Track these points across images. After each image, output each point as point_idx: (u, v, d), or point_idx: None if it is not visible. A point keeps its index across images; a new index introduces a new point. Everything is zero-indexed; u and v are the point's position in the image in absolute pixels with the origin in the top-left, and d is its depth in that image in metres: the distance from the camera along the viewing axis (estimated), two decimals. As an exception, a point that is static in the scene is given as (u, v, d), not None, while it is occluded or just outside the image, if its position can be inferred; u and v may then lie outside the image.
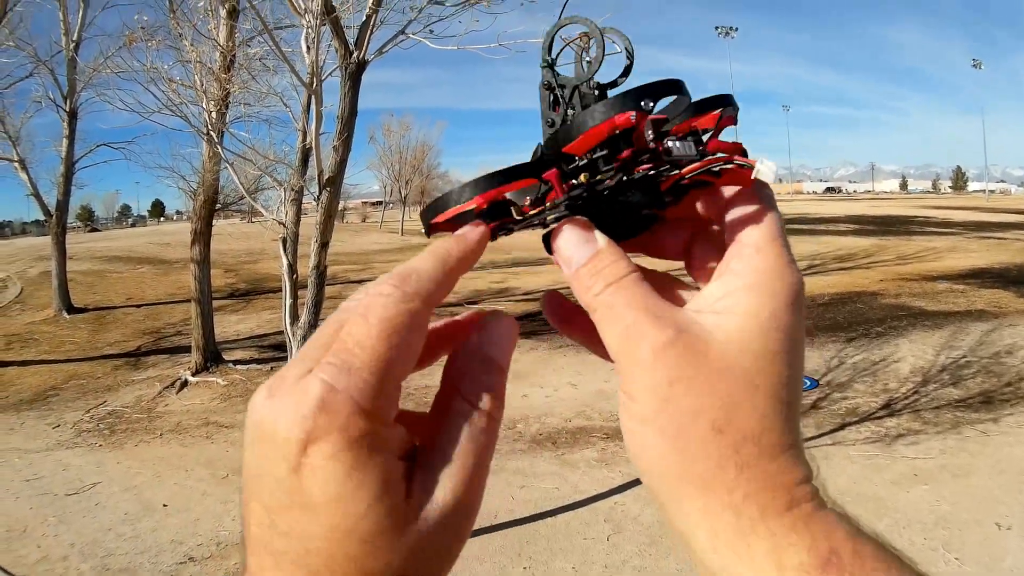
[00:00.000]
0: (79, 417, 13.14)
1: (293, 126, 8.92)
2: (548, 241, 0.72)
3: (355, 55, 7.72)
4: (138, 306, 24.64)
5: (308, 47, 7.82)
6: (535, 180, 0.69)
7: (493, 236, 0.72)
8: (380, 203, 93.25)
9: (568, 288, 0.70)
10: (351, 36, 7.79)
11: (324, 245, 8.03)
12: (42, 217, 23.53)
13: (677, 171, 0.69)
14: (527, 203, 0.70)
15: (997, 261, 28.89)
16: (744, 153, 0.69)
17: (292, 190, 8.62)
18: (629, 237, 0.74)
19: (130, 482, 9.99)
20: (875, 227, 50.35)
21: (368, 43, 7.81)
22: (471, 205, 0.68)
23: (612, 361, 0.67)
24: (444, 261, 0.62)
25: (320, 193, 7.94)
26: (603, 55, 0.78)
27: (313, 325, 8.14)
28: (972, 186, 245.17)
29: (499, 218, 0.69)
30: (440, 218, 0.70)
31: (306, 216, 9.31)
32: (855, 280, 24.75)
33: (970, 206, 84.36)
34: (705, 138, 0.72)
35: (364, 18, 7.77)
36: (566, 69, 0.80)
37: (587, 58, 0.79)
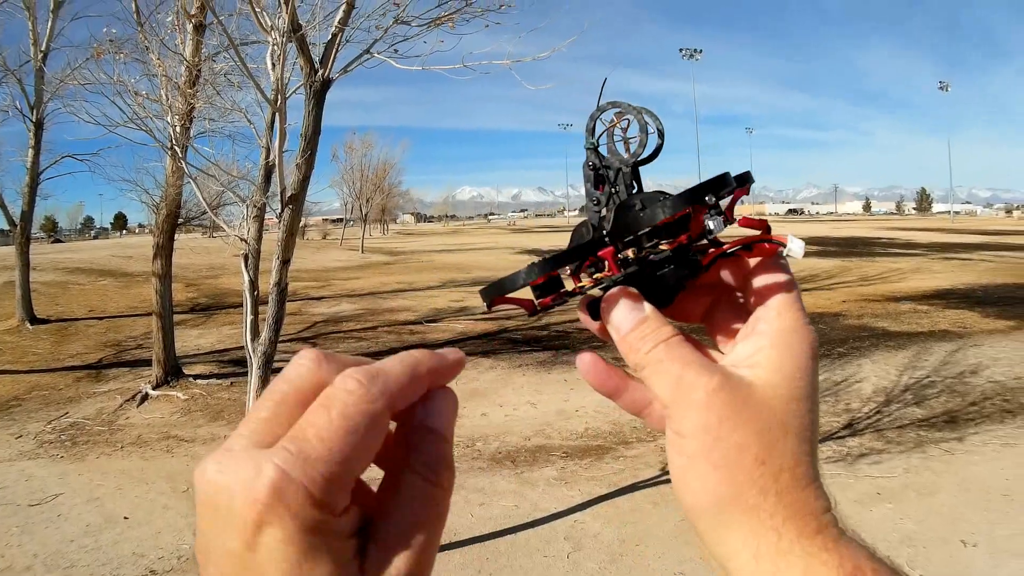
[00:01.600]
0: (41, 428, 13.07)
1: (257, 142, 8.90)
2: (594, 309, 0.79)
3: (320, 73, 7.72)
4: (100, 318, 24.53)
5: (273, 64, 7.80)
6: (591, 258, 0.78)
7: (544, 309, 0.81)
8: (341, 220, 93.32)
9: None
10: (316, 54, 7.79)
11: (286, 262, 8.02)
12: (6, 227, 23.45)
13: (718, 247, 0.79)
14: (585, 278, 0.79)
15: (961, 282, 29.17)
16: (769, 229, 0.79)
17: (255, 206, 8.60)
18: (667, 304, 0.80)
19: (92, 494, 9.94)
20: (838, 248, 50.70)
21: (333, 61, 7.81)
22: (538, 282, 0.76)
23: (636, 415, 0.82)
24: (414, 370, 0.63)
25: (282, 210, 7.92)
26: (646, 139, 0.86)
27: (274, 342, 8.12)
28: (937, 207, 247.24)
29: (553, 292, 0.78)
30: (501, 298, 0.77)
31: (268, 232, 9.29)
32: (817, 301, 24.88)
33: (935, 227, 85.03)
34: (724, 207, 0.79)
35: (330, 36, 7.77)
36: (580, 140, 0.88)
37: (623, 137, 0.89)
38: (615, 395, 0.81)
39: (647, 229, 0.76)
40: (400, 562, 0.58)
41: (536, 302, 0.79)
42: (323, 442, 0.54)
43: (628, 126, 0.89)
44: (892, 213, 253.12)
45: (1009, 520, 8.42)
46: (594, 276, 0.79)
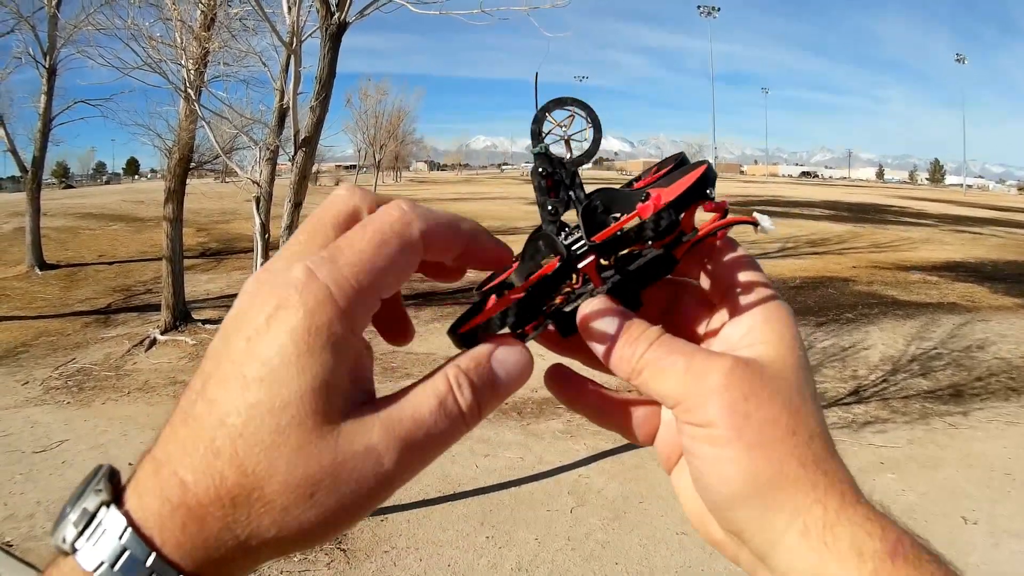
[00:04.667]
0: (48, 374, 13.14)
1: (271, 87, 8.90)
2: (567, 323, 0.76)
3: (336, 16, 7.69)
4: (110, 263, 24.58)
5: (289, 7, 7.80)
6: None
7: (526, 338, 0.74)
8: (354, 167, 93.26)
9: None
10: (333, -2, 7.76)
11: (298, 205, 8.02)
12: (17, 173, 23.48)
13: (691, 237, 0.75)
14: (561, 295, 0.77)
15: (972, 255, 29.03)
16: (727, 211, 0.75)
17: (268, 149, 8.58)
18: (637, 306, 0.77)
19: (97, 440, 10.00)
20: (850, 214, 50.34)
21: (350, 5, 7.78)
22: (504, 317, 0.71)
23: (617, 431, 0.82)
24: (457, 221, 0.65)
25: (295, 153, 7.92)
26: (598, 135, 0.84)
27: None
28: (950, 180, 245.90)
29: (532, 319, 0.73)
30: (470, 325, 0.72)
31: (280, 178, 9.28)
32: (827, 265, 24.79)
33: (947, 199, 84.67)
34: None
35: (348, -20, 7.74)
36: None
37: (564, 136, 0.85)
38: (577, 405, 0.82)
39: (650, 233, 0.71)
40: (384, 439, 0.57)
41: (515, 334, 0.73)
42: (354, 250, 0.56)
43: (570, 123, 0.86)
44: (905, 182, 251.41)
45: (1010, 499, 8.45)
46: (564, 291, 0.78)
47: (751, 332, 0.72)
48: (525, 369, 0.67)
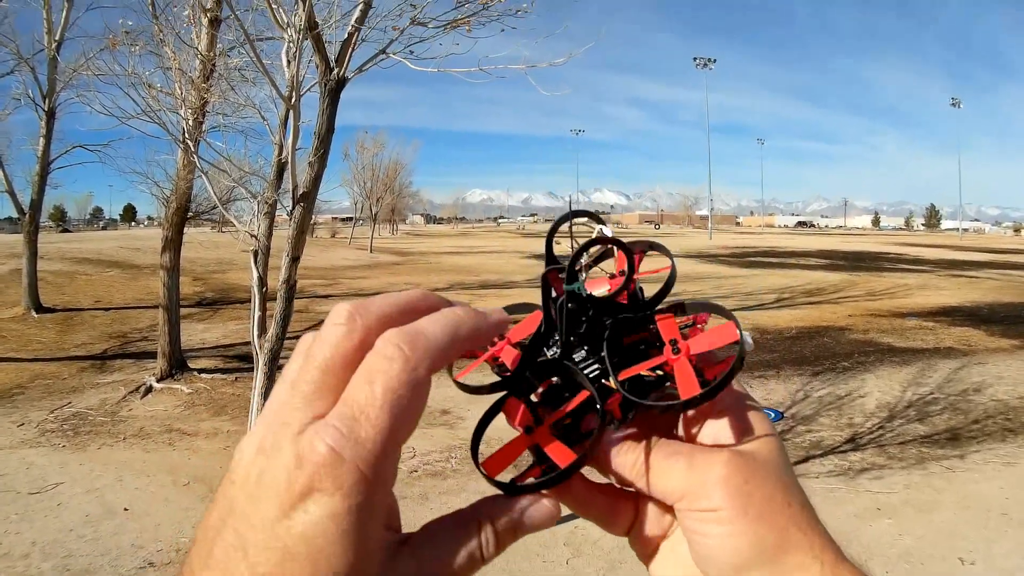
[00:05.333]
0: (44, 416, 13.11)
1: (269, 139, 8.90)
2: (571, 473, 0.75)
3: (335, 72, 7.74)
4: (106, 309, 24.54)
5: (289, 61, 7.82)
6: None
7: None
8: (350, 219, 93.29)
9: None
10: (332, 52, 7.81)
11: (295, 259, 8.04)
12: (15, 215, 23.49)
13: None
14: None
15: (968, 299, 29.12)
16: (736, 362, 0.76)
17: (266, 203, 8.61)
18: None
19: (92, 484, 9.96)
20: (846, 262, 50.62)
21: (349, 60, 7.83)
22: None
23: (596, 522, 0.83)
24: (455, 331, 0.64)
25: (293, 208, 7.94)
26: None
27: (281, 338, 8.14)
28: (946, 224, 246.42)
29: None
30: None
31: (277, 229, 9.29)
32: (823, 314, 24.90)
33: (943, 244, 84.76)
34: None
35: (346, 35, 7.79)
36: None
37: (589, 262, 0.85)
38: (586, 499, 0.82)
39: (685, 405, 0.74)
40: None
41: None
42: (370, 421, 0.55)
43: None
44: (901, 228, 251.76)
45: (1007, 539, 8.43)
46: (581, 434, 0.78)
47: (735, 432, 0.77)
48: (550, 523, 0.72)
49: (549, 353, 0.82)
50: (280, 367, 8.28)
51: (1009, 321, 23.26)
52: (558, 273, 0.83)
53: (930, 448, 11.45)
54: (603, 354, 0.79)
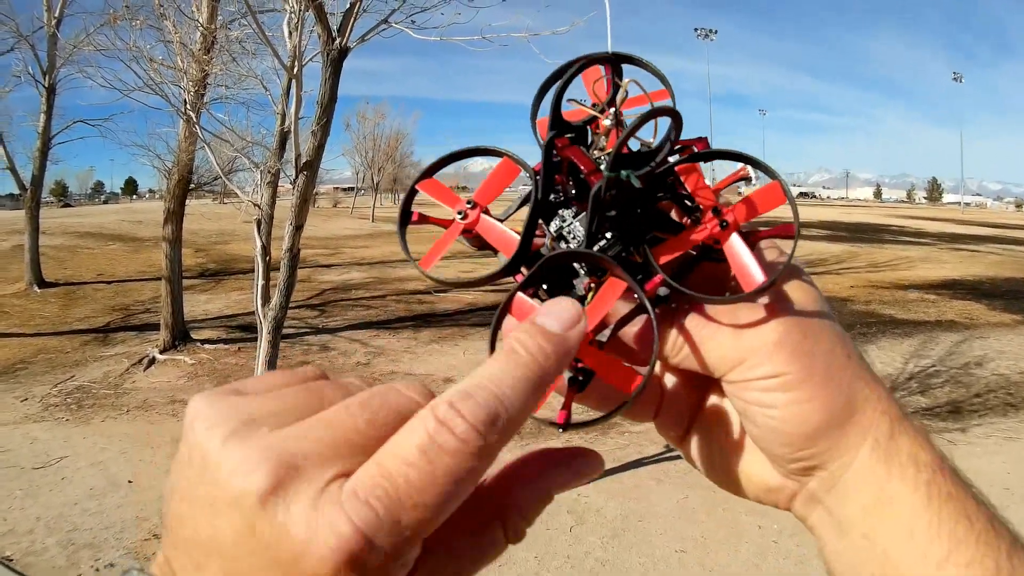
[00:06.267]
0: (47, 391, 13.12)
1: (271, 109, 8.92)
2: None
3: (337, 41, 7.71)
4: (108, 282, 24.53)
5: (290, 32, 7.80)
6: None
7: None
8: (352, 189, 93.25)
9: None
10: (334, 22, 7.78)
11: (299, 228, 8.02)
12: (16, 191, 23.50)
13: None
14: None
15: (970, 273, 29.04)
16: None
17: (269, 172, 8.60)
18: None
19: (96, 457, 9.97)
20: (847, 234, 50.16)
21: (351, 30, 7.80)
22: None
23: (649, 420, 0.79)
24: (536, 390, 0.51)
25: (296, 176, 7.93)
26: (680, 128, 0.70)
27: (284, 307, 8.13)
28: (947, 198, 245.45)
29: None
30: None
31: (280, 199, 9.28)
32: (825, 286, 24.31)
33: (945, 217, 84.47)
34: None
35: (348, 5, 7.76)
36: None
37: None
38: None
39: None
40: None
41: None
42: (418, 508, 0.44)
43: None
44: (903, 201, 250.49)
45: (1009, 513, 8.13)
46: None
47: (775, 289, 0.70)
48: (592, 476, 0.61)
49: (552, 228, 0.72)
50: (284, 336, 8.29)
51: (1011, 296, 23.22)
52: (569, 141, 0.71)
53: (931, 421, 11.42)
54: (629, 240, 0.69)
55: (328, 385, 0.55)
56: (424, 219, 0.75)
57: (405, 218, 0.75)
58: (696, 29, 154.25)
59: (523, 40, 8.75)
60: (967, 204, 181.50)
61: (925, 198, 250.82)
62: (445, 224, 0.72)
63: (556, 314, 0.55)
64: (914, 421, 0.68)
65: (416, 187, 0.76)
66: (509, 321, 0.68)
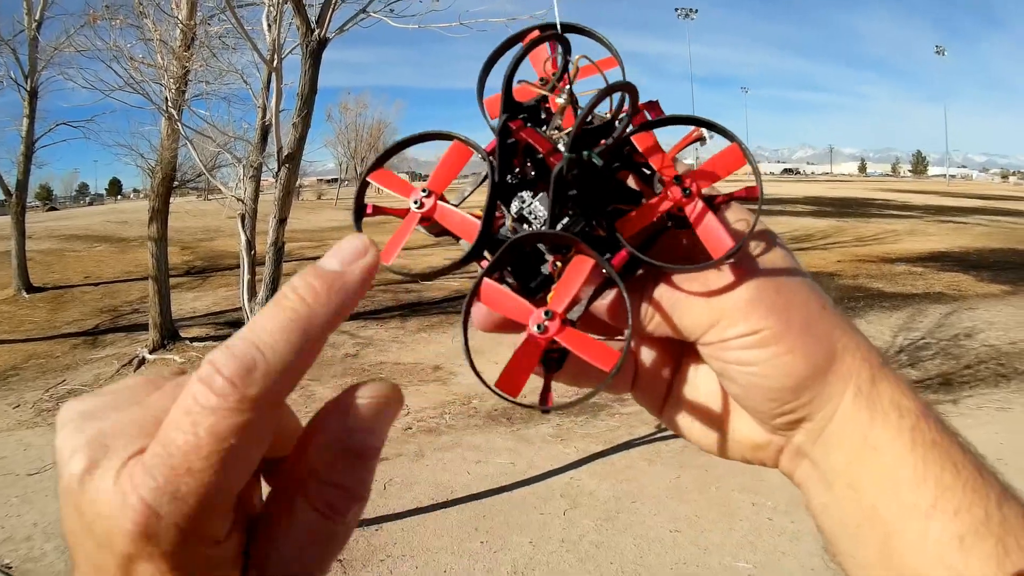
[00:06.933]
0: (39, 396, 13.09)
1: (252, 103, 8.91)
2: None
3: (316, 33, 7.71)
4: (96, 284, 24.44)
5: (269, 25, 7.81)
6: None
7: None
8: (335, 180, 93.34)
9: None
10: (313, 14, 7.78)
11: (282, 221, 8.03)
12: (1, 196, 23.39)
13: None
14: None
15: (957, 245, 28.99)
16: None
17: (251, 166, 8.60)
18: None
19: (90, 461, 9.91)
20: (833, 209, 50.01)
21: (330, 21, 7.80)
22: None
23: (626, 391, 0.79)
24: (304, 335, 0.48)
25: (279, 169, 7.93)
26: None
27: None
28: (933, 171, 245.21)
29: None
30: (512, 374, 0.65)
31: (263, 193, 9.28)
32: (812, 261, 24.58)
33: (930, 190, 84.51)
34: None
35: (326, -4, 7.77)
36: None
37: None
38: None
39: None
40: None
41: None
42: (192, 474, 0.44)
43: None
44: (888, 175, 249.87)
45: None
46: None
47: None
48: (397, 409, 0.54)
49: (512, 210, 0.71)
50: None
51: (998, 267, 23.17)
52: (524, 123, 0.70)
53: (923, 393, 11.33)
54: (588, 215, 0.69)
55: (176, 379, 0.56)
56: (379, 210, 0.75)
57: (360, 212, 0.75)
58: (677, 9, 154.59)
59: (502, 25, 8.76)
60: (952, 176, 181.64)
61: (910, 171, 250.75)
62: (401, 214, 0.72)
63: (335, 250, 0.52)
64: (895, 370, 0.69)
65: (367, 179, 0.77)
66: (480, 308, 0.69)
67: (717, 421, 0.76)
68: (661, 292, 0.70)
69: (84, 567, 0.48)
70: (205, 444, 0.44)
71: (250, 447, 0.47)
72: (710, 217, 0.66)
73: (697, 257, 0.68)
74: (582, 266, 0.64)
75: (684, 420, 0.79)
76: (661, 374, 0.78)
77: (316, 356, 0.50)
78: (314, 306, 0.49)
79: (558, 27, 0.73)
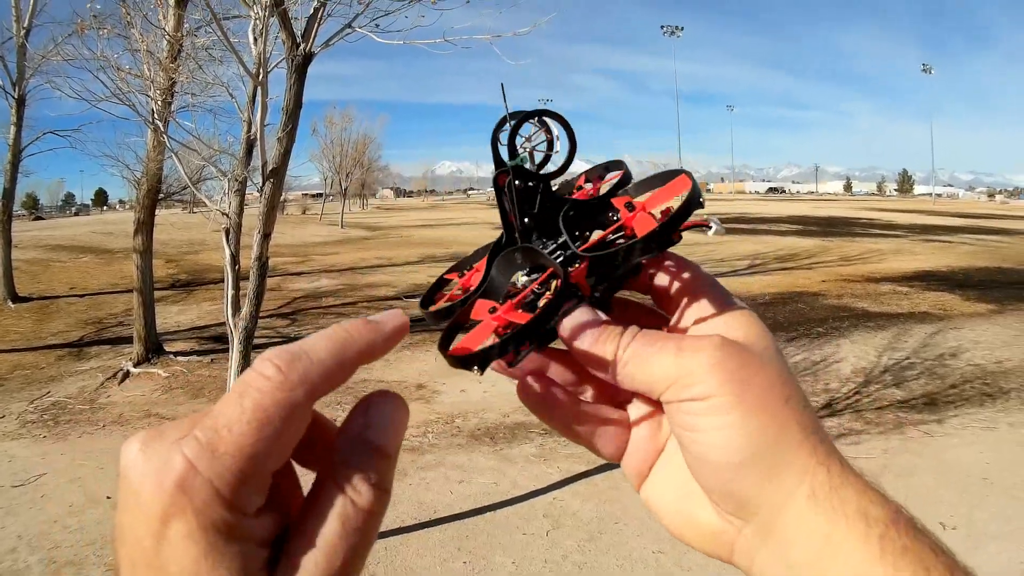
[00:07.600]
0: (24, 407, 13.09)
1: (238, 116, 8.90)
2: (545, 338, 0.76)
3: (302, 47, 7.72)
4: (81, 296, 24.46)
5: (255, 38, 7.82)
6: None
7: (516, 361, 0.76)
8: (320, 195, 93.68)
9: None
10: (298, 28, 7.80)
11: (267, 236, 8.03)
12: (-12, 205, 23.35)
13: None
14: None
15: (942, 264, 29.23)
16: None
17: (236, 180, 8.59)
18: (611, 309, 0.79)
19: (75, 474, 9.95)
20: (818, 228, 50.60)
21: (315, 35, 7.82)
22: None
23: (587, 445, 0.81)
24: (342, 350, 0.58)
25: (263, 184, 7.94)
26: (575, 146, 0.88)
27: (255, 316, 8.13)
28: (919, 189, 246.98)
29: (523, 342, 0.72)
30: (465, 349, 0.73)
31: (248, 207, 9.28)
32: (796, 280, 24.97)
33: (916, 209, 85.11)
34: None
35: (312, 11, 7.77)
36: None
37: (530, 148, 0.88)
38: (576, 420, 0.79)
39: (644, 247, 0.73)
40: None
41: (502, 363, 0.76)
42: (233, 435, 0.51)
43: (537, 137, 0.89)
44: (873, 194, 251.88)
45: (988, 504, 8.47)
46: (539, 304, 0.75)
47: (723, 326, 0.74)
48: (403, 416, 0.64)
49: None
50: (256, 347, 8.29)
51: (984, 286, 23.33)
52: (507, 175, 0.82)
53: (907, 413, 11.51)
54: (562, 236, 0.78)
55: None
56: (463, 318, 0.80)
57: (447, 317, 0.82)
58: (663, 27, 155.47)
59: (486, 42, 8.80)
60: (938, 195, 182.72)
61: (896, 190, 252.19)
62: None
63: (382, 313, 0.63)
64: (862, 476, 0.67)
65: (445, 276, 0.92)
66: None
67: (684, 502, 0.76)
68: (639, 342, 0.72)
69: (123, 551, 0.52)
70: (248, 411, 0.52)
71: (287, 424, 0.53)
72: (645, 217, 0.76)
73: (660, 304, 0.82)
74: (544, 275, 0.76)
75: (658, 499, 0.79)
76: (646, 448, 0.79)
77: (350, 373, 0.59)
78: (353, 334, 0.59)
79: (535, 111, 0.89)
